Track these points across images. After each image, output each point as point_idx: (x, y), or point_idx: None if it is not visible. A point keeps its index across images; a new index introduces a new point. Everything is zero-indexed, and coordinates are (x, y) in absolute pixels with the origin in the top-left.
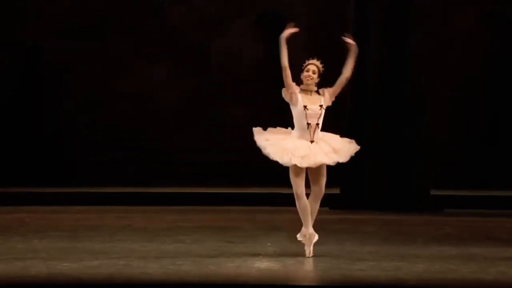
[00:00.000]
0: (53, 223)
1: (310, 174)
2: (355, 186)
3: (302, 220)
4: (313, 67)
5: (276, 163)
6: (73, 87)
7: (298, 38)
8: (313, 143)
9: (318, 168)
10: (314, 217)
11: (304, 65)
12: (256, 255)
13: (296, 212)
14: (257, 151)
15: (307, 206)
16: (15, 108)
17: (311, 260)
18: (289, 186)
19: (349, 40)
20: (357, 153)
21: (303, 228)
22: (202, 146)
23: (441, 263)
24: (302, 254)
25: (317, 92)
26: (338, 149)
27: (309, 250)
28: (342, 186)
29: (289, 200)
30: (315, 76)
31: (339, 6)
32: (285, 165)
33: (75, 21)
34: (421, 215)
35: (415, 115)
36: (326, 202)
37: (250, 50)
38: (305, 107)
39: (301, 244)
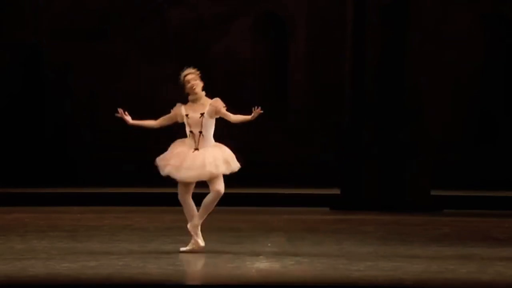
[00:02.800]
0: (52, 223)
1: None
2: (355, 187)
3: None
4: (192, 76)
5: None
6: (74, 87)
7: (297, 38)
8: (196, 152)
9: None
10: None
11: (181, 79)
12: (255, 255)
13: (295, 213)
14: (256, 151)
15: (191, 207)
16: (16, 108)
17: (309, 260)
18: (288, 186)
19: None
20: (357, 154)
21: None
22: None
23: (439, 263)
24: (301, 254)
25: (209, 97)
26: (207, 165)
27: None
28: (341, 187)
29: (289, 201)
30: (197, 82)
31: (337, 6)
32: (160, 170)
33: (76, 21)
34: (420, 215)
35: (412, 116)
36: (326, 202)
37: (249, 51)
38: (186, 115)
39: (300, 245)
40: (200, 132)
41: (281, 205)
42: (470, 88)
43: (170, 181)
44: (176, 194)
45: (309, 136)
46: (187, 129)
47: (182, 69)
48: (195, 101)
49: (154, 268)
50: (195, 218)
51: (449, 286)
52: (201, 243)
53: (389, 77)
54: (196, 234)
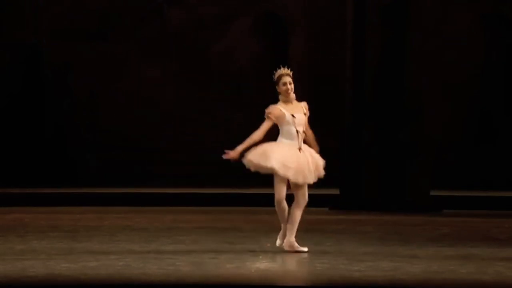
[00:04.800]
0: (52, 223)
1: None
2: (355, 187)
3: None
4: (289, 79)
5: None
6: (74, 87)
7: (297, 38)
8: (301, 152)
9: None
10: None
11: (277, 76)
12: (255, 255)
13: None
14: None
15: (287, 210)
16: (16, 109)
17: (310, 260)
18: (288, 186)
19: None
20: (357, 154)
21: (288, 236)
22: (202, 146)
23: (439, 263)
24: (301, 254)
25: (296, 99)
26: (317, 165)
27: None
28: (341, 187)
29: (289, 201)
30: (292, 86)
31: (337, 6)
32: (280, 174)
33: (76, 21)
34: (419, 215)
35: (412, 116)
36: (326, 202)
37: (249, 51)
38: (293, 115)
39: (299, 244)
40: (303, 131)
41: None
42: (470, 88)
43: (170, 182)
44: (176, 194)
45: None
46: (292, 130)
47: (181, 69)
48: (287, 102)
49: (154, 268)
50: (289, 235)
51: (449, 286)
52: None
53: (389, 77)
54: (296, 248)
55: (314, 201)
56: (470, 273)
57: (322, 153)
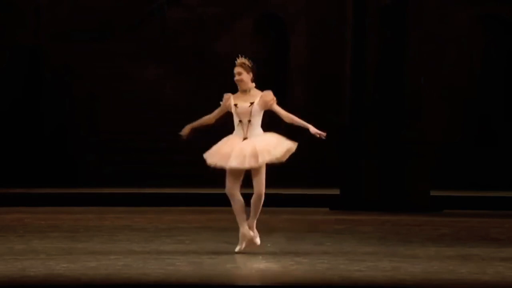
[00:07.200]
0: (52, 223)
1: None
2: (355, 187)
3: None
4: (238, 69)
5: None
6: (74, 88)
7: (297, 38)
8: (245, 141)
9: (255, 168)
10: (256, 216)
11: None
12: (255, 255)
13: (295, 213)
14: None
15: (240, 201)
16: (17, 109)
17: (309, 260)
18: (288, 186)
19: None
20: (357, 154)
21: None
22: (201, 146)
23: (439, 263)
24: (301, 254)
25: (260, 89)
26: (258, 152)
27: (239, 247)
28: (341, 187)
29: (289, 201)
30: (242, 76)
31: (337, 7)
32: (209, 161)
33: (76, 22)
34: (419, 215)
35: (412, 116)
36: (326, 202)
37: (249, 51)
38: (235, 105)
39: (300, 245)
40: (249, 120)
41: (281, 205)
42: (470, 88)
43: (170, 182)
44: (176, 194)
45: (309, 136)
46: (236, 119)
47: (180, 69)
48: (244, 92)
49: (154, 268)
50: (246, 222)
51: (449, 286)
52: (257, 241)
53: (389, 78)
54: (249, 236)
55: (314, 201)
56: (470, 273)
57: (322, 153)
